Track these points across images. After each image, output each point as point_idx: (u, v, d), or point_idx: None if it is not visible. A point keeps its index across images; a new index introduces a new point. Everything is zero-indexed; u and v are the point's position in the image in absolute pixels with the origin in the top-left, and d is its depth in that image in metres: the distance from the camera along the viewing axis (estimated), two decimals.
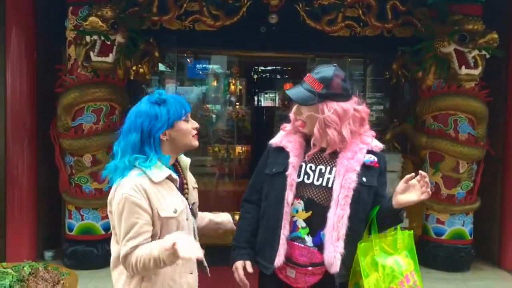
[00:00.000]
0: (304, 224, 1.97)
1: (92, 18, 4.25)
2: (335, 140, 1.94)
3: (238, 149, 9.30)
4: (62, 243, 4.99)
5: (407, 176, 1.86)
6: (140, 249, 1.74)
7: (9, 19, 4.70)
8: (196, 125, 1.96)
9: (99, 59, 4.41)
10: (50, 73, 4.83)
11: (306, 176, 1.99)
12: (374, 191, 1.99)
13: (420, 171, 1.86)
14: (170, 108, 1.85)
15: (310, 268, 1.96)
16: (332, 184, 1.94)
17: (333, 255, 1.89)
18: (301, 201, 1.97)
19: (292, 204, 1.98)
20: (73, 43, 4.67)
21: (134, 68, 5.32)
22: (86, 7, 4.54)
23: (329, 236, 1.90)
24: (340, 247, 1.89)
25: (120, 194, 1.79)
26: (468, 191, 5.01)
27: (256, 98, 11.93)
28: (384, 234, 1.95)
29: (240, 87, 10.47)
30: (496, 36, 4.50)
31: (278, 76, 11.73)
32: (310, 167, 2.00)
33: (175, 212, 1.84)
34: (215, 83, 10.13)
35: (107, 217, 5.14)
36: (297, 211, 1.98)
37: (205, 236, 2.15)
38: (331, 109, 1.93)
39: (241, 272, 2.04)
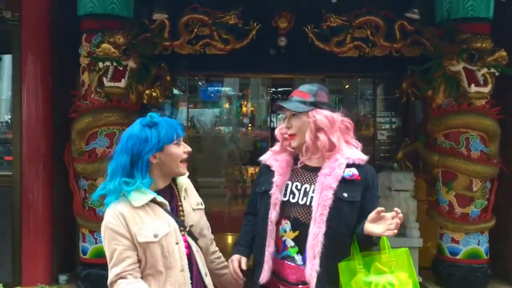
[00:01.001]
0: (293, 243, 2.00)
1: (104, 45, 4.35)
2: (325, 145, 1.97)
3: (251, 170, 9.32)
4: (77, 267, 5.03)
5: (379, 209, 1.85)
6: (128, 285, 1.75)
7: (25, 46, 4.85)
8: (188, 149, 1.95)
9: (112, 84, 4.49)
10: (65, 99, 4.94)
11: (291, 196, 2.02)
12: (357, 206, 1.97)
13: (395, 208, 1.84)
14: (161, 131, 1.86)
15: (300, 286, 1.97)
16: (313, 202, 1.97)
17: (309, 273, 1.91)
18: (288, 221, 2.00)
19: (279, 223, 2.01)
20: (86, 69, 4.77)
21: (147, 92, 5.42)
22: (99, 34, 4.64)
23: (308, 254, 1.92)
24: (316, 264, 1.90)
25: (103, 223, 1.84)
26: (483, 209, 4.95)
27: (268, 119, 11.98)
28: (378, 252, 1.93)
29: (252, 108, 10.55)
30: (504, 54, 4.50)
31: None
32: (296, 186, 2.02)
33: (155, 236, 1.81)
34: (227, 105, 10.23)
35: None
36: (285, 231, 2.01)
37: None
38: (321, 114, 1.99)
39: (236, 264, 2.09)
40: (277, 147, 2.14)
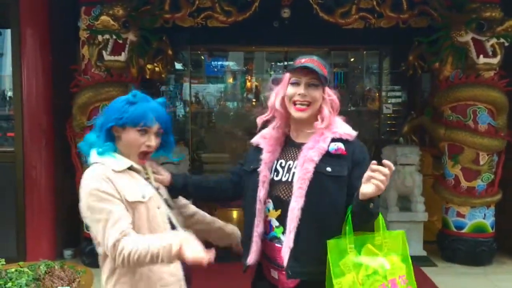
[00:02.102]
0: (277, 223, 1.90)
1: (103, 17, 4.27)
2: (329, 124, 1.88)
3: None
4: (81, 242, 5.05)
5: (371, 164, 1.68)
6: (134, 240, 1.67)
7: (24, 21, 4.77)
8: (151, 143, 1.84)
9: (112, 58, 4.43)
10: (65, 74, 4.88)
11: (275, 173, 1.93)
12: (345, 182, 1.83)
13: (384, 161, 1.67)
14: (133, 111, 1.79)
15: None
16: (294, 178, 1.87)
17: (284, 249, 1.82)
18: (270, 200, 1.91)
19: (265, 202, 1.91)
20: (86, 43, 4.70)
21: (149, 66, 5.34)
22: (98, 6, 4.57)
23: (286, 230, 1.83)
24: (290, 240, 1.80)
25: (86, 189, 1.75)
26: (489, 183, 4.90)
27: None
28: (372, 233, 1.80)
29: (256, 83, 10.45)
30: None
31: None
32: (280, 164, 1.93)
33: (143, 197, 1.79)
34: (231, 80, 10.13)
35: None
36: (269, 210, 1.92)
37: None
38: (334, 93, 1.92)
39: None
40: (266, 130, 2.01)
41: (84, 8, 4.72)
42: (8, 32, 5.28)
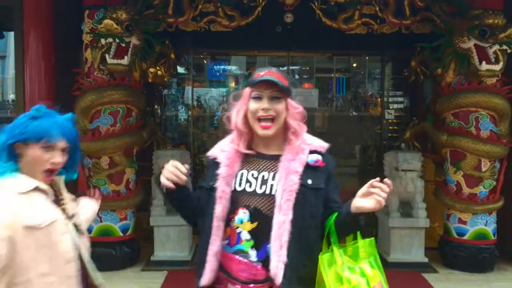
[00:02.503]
0: (248, 236, 1.80)
1: (106, 21, 4.28)
2: (298, 135, 1.85)
3: None
4: None
5: (373, 180, 1.71)
6: None
7: (27, 24, 4.77)
8: (56, 160, 1.73)
9: (115, 61, 4.43)
10: (68, 77, 4.89)
11: (248, 184, 1.83)
12: (322, 195, 1.84)
13: (385, 180, 1.70)
14: (33, 125, 1.69)
15: (252, 285, 1.79)
16: (276, 190, 1.80)
17: (275, 265, 1.73)
18: (247, 211, 1.80)
19: (234, 213, 1.82)
20: (89, 46, 4.72)
21: (152, 70, 5.35)
22: (101, 10, 4.58)
23: (273, 245, 1.74)
24: (283, 255, 1.72)
25: None
26: (491, 189, 4.89)
27: None
28: (344, 244, 1.82)
29: None
30: None
31: (297, 76, 11.69)
32: (252, 175, 1.85)
33: (40, 223, 1.66)
34: (233, 84, 10.14)
35: (125, 218, 5.15)
36: (241, 222, 1.81)
37: None
38: (296, 103, 1.87)
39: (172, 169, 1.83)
40: (224, 141, 1.94)
41: (88, 12, 4.74)
42: (11, 34, 5.30)
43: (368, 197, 1.71)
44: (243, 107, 1.87)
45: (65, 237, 1.73)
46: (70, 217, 1.80)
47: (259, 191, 1.82)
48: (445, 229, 5.12)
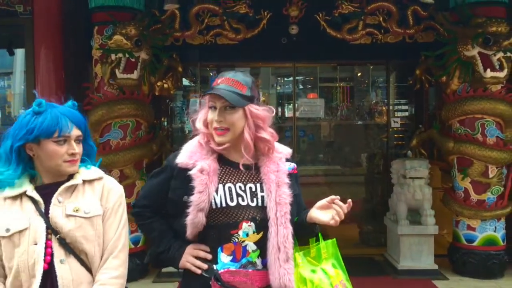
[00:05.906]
0: (255, 247, 1.78)
1: (116, 37, 4.36)
2: (265, 142, 1.79)
3: None
4: None
5: (333, 197, 1.74)
6: None
7: (37, 39, 4.87)
8: (74, 150, 1.64)
9: (124, 76, 4.51)
10: (78, 91, 4.96)
11: (240, 198, 1.77)
12: (298, 201, 1.85)
13: (349, 200, 1.73)
14: (41, 122, 1.59)
15: None
16: (266, 202, 1.77)
17: (287, 278, 1.72)
18: (252, 223, 1.76)
19: (238, 228, 1.76)
20: (99, 62, 4.79)
21: (158, 83, 5.42)
22: (110, 26, 4.66)
23: (274, 258, 1.72)
24: (291, 268, 1.73)
25: None
26: (499, 195, 4.91)
27: (280, 109, 11.96)
28: (307, 246, 1.85)
29: (263, 98, 10.53)
30: None
31: (301, 86, 11.75)
32: (240, 187, 1.79)
33: (7, 231, 1.58)
34: None
35: (136, 230, 5.18)
36: (247, 235, 1.76)
37: None
38: (257, 110, 1.78)
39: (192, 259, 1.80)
40: (195, 141, 1.83)
41: (97, 28, 4.82)
42: (18, 51, 5.40)
43: (326, 211, 1.75)
44: (204, 115, 1.82)
45: (35, 248, 1.59)
46: (54, 230, 1.62)
47: (252, 204, 1.78)
48: (454, 235, 5.13)
